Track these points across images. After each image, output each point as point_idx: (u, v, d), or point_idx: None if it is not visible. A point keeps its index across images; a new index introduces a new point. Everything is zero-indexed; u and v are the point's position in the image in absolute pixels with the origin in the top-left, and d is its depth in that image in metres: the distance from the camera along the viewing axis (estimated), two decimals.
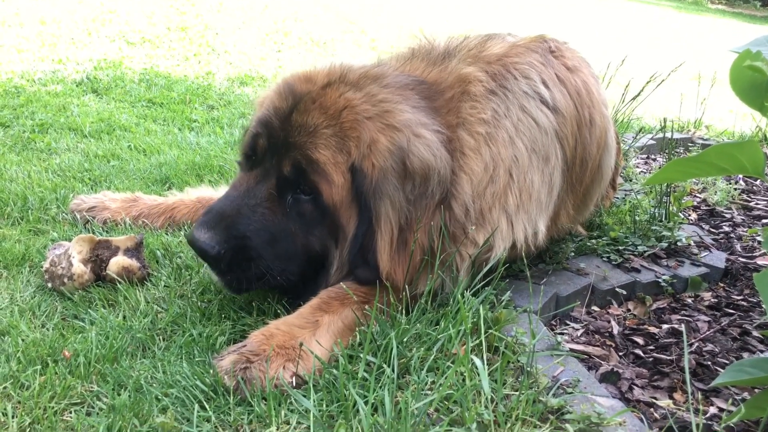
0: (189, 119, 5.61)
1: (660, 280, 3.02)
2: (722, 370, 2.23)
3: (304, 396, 2.00)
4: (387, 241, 2.39)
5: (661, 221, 3.44)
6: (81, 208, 3.35)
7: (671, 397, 2.31)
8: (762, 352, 2.58)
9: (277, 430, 1.92)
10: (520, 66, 2.72)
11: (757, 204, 4.12)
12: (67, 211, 3.41)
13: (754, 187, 4.43)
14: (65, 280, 2.65)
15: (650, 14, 23.07)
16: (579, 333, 2.69)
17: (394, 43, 10.39)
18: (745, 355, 2.56)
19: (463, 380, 2.05)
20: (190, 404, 2.00)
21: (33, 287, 2.72)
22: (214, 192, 3.50)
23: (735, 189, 4.24)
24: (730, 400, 2.25)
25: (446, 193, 2.47)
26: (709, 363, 2.49)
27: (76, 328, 2.44)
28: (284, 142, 2.46)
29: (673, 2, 29.88)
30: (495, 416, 1.94)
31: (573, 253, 3.14)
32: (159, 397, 2.03)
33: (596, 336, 2.68)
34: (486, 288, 2.50)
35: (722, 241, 3.58)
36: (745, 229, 3.71)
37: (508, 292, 2.59)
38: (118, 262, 2.74)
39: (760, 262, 3.30)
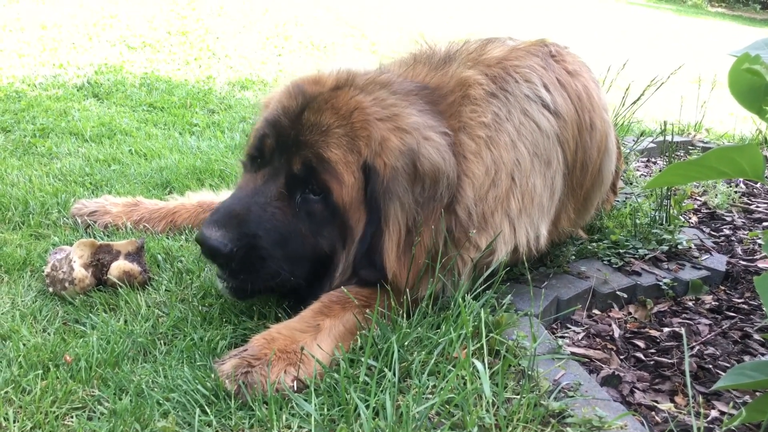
0: (190, 123, 5.61)
1: (661, 284, 3.02)
2: (723, 374, 2.24)
3: (306, 400, 2.00)
4: (395, 242, 2.39)
5: (661, 224, 3.44)
6: (82, 212, 3.36)
7: (672, 401, 2.31)
8: (763, 355, 2.58)
9: None
10: (520, 69, 2.72)
11: (757, 207, 4.12)
12: (68, 216, 3.41)
13: (755, 190, 4.43)
14: (66, 284, 2.65)
15: (650, 17, 23.08)
16: (580, 336, 2.69)
17: (395, 46, 10.40)
18: (747, 358, 2.56)
19: (464, 384, 2.05)
20: (191, 409, 2.00)
21: (34, 292, 2.72)
22: (215, 196, 3.50)
23: (735, 192, 4.24)
24: (732, 404, 2.25)
25: (453, 196, 2.47)
26: (711, 366, 2.49)
27: (78, 333, 2.44)
28: (295, 141, 2.45)
29: (673, 5, 29.91)
30: (496, 420, 1.94)
31: (574, 257, 3.15)
32: (160, 401, 2.03)
33: (597, 339, 2.68)
34: (487, 291, 2.50)
35: (723, 244, 3.58)
36: (745, 232, 3.71)
37: (509, 295, 2.58)
38: (119, 267, 2.74)
39: (760, 265, 3.30)
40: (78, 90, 6.33)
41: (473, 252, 2.54)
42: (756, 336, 2.69)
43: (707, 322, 2.82)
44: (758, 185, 4.49)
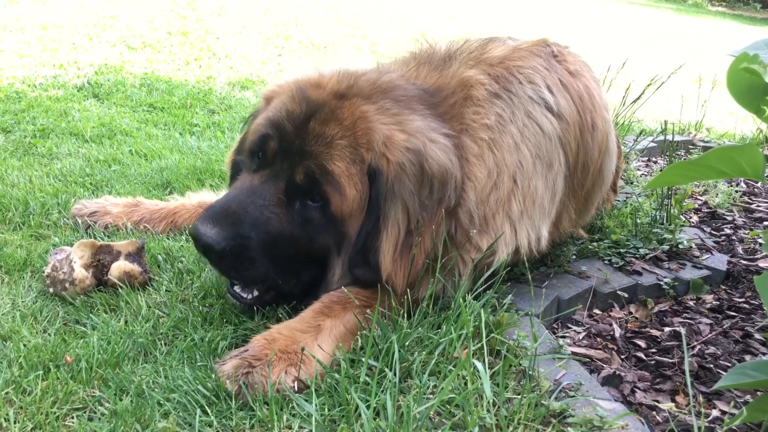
0: (190, 124, 5.61)
1: (661, 283, 3.02)
2: (724, 373, 2.24)
3: (306, 400, 2.00)
4: (392, 242, 2.38)
5: (662, 224, 3.44)
6: (82, 213, 3.35)
7: (673, 400, 2.31)
8: (764, 354, 2.58)
9: None
10: (524, 70, 2.72)
11: (758, 206, 4.12)
12: (68, 216, 3.41)
13: (755, 190, 4.43)
14: (67, 285, 2.65)
15: (650, 16, 23.08)
16: (581, 336, 2.68)
17: (395, 46, 10.40)
18: (747, 357, 2.56)
19: (465, 384, 2.05)
20: (192, 409, 2.00)
21: (34, 292, 2.72)
22: (215, 196, 3.49)
23: (736, 191, 4.24)
24: (732, 403, 2.24)
25: (458, 198, 2.46)
26: (711, 366, 2.48)
27: (78, 333, 2.44)
28: (299, 149, 2.44)
29: (673, 4, 29.90)
30: (497, 420, 1.93)
31: (574, 256, 3.15)
32: (161, 402, 2.03)
33: (598, 339, 2.68)
34: (488, 291, 2.50)
35: (723, 243, 3.58)
36: (746, 232, 3.71)
37: (510, 295, 2.58)
38: (119, 267, 2.74)
39: (761, 264, 3.29)
40: (78, 90, 6.34)
41: (474, 253, 2.54)
42: (757, 335, 2.69)
43: (708, 321, 2.82)
44: (759, 184, 4.49)
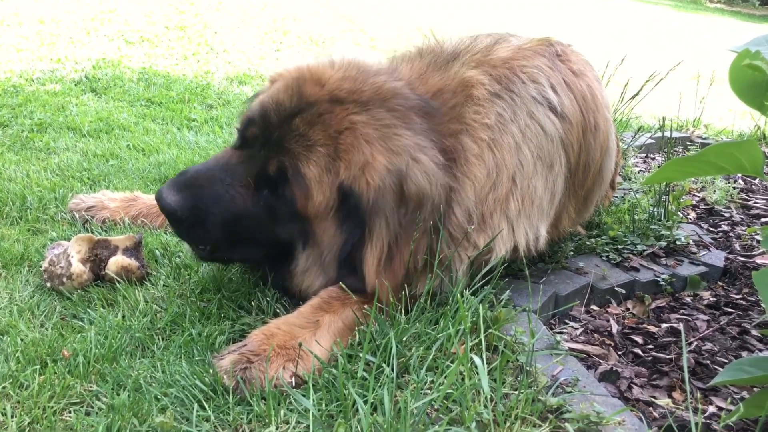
0: (188, 118, 5.60)
1: (659, 279, 3.03)
2: (721, 369, 2.24)
3: (304, 395, 2.00)
4: (376, 256, 2.38)
5: (660, 220, 3.44)
6: (80, 207, 3.35)
7: (670, 396, 2.32)
8: (761, 350, 2.58)
9: (277, 429, 1.92)
10: (527, 70, 2.70)
11: (756, 203, 4.12)
12: (65, 211, 3.40)
13: (753, 186, 4.43)
14: (64, 279, 2.65)
15: (648, 13, 23.07)
16: (578, 332, 2.69)
17: (394, 43, 10.39)
18: (744, 353, 2.56)
19: (463, 379, 2.06)
20: (189, 404, 2.00)
21: (32, 287, 2.72)
22: None
23: (734, 188, 4.24)
24: (729, 399, 2.25)
25: (439, 218, 2.45)
26: (708, 362, 2.49)
27: (75, 328, 2.44)
28: (278, 142, 2.45)
29: (671, 1, 29.89)
30: (494, 415, 1.94)
31: (572, 253, 3.15)
32: (158, 396, 2.03)
33: (595, 335, 2.68)
34: (485, 287, 2.50)
35: (721, 240, 3.59)
36: (743, 228, 3.72)
37: (507, 291, 2.59)
38: (117, 262, 2.74)
39: (759, 260, 3.30)
40: (76, 85, 6.32)
41: (471, 250, 2.54)
42: (754, 332, 2.70)
43: (705, 317, 2.82)
44: (756, 181, 4.50)
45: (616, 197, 3.88)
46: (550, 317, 2.77)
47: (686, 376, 1.93)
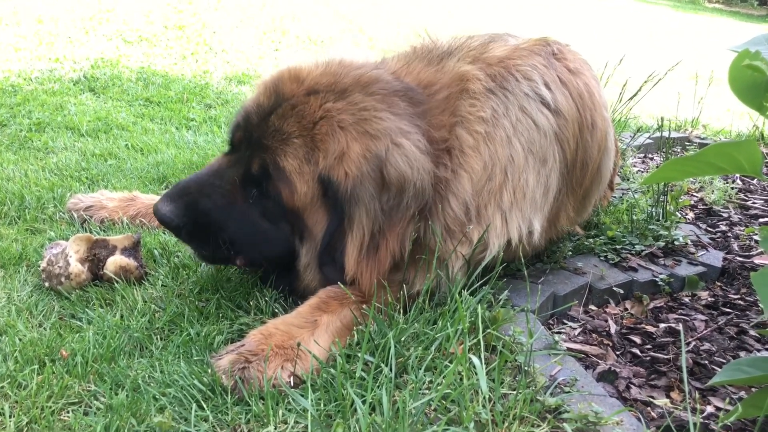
0: (186, 118, 5.60)
1: (657, 279, 3.03)
2: (719, 369, 2.24)
3: (302, 395, 2.00)
4: (356, 245, 2.39)
5: (658, 220, 3.45)
6: (78, 207, 3.35)
7: (668, 396, 2.32)
8: (759, 351, 2.58)
9: (275, 429, 1.92)
10: (522, 68, 2.71)
11: (754, 203, 4.12)
12: (64, 211, 3.40)
13: (751, 186, 4.44)
14: (62, 279, 2.65)
15: (647, 13, 23.08)
16: (576, 332, 2.69)
17: (393, 42, 10.38)
18: (742, 354, 2.56)
19: (461, 379, 2.05)
20: (187, 404, 2.00)
21: (30, 286, 2.71)
22: None
23: (732, 188, 4.24)
24: (728, 399, 2.25)
25: (425, 204, 2.46)
26: (707, 362, 2.49)
27: (74, 328, 2.43)
28: (258, 141, 2.51)
29: (670, 0, 29.90)
30: (492, 415, 1.94)
31: (570, 253, 3.15)
32: (157, 396, 2.03)
33: (594, 335, 2.68)
34: (484, 287, 2.51)
35: (719, 240, 3.59)
36: (742, 228, 3.72)
37: (506, 291, 2.59)
38: (115, 262, 2.73)
39: (757, 261, 3.30)
40: (74, 84, 6.31)
41: (466, 246, 2.54)
42: (752, 332, 2.70)
43: (703, 318, 2.82)
44: (755, 181, 4.50)
45: (615, 197, 3.88)
46: (548, 317, 2.77)
47: (684, 376, 1.93)
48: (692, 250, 3.29)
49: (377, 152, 2.37)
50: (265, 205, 2.51)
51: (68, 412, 1.99)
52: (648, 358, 2.53)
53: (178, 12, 10.50)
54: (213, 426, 1.94)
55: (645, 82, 5.17)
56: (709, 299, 2.99)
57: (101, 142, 4.67)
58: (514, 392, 2.04)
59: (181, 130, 5.23)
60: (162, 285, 2.75)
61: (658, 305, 2.94)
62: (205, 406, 1.99)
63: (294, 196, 2.44)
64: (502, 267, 2.56)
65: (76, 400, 2.04)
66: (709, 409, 2.22)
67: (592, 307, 2.91)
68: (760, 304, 2.84)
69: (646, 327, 2.75)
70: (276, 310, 2.55)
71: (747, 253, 3.39)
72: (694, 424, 1.82)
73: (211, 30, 9.72)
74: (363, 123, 2.42)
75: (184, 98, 6.19)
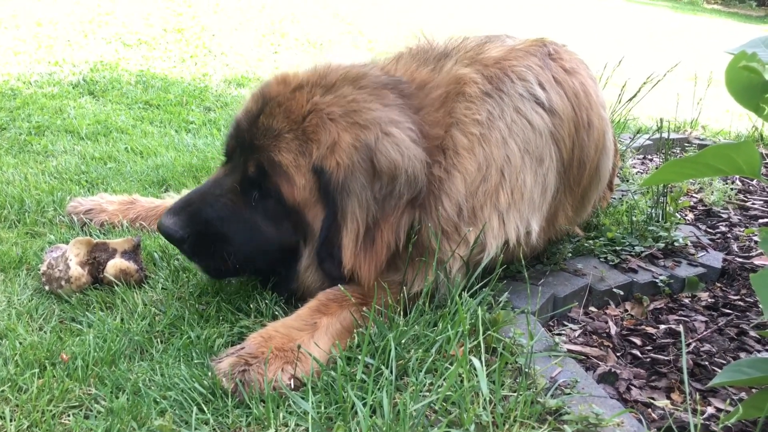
0: (186, 121, 5.60)
1: (657, 281, 3.03)
2: (720, 371, 2.24)
3: (303, 398, 2.00)
4: (352, 237, 2.40)
5: (658, 222, 3.45)
6: (78, 210, 3.35)
7: (669, 398, 2.32)
8: (759, 352, 2.58)
9: None
10: (517, 69, 2.72)
11: (753, 204, 4.12)
12: (64, 214, 3.40)
13: (751, 187, 4.44)
14: (62, 282, 2.65)
15: (646, 14, 23.10)
16: (577, 334, 2.69)
17: (392, 44, 10.39)
18: (743, 355, 2.56)
19: (462, 381, 2.06)
20: (188, 407, 2.00)
21: (30, 290, 2.72)
22: None
23: (732, 189, 4.25)
24: (728, 401, 2.25)
25: (419, 192, 2.47)
26: (707, 363, 2.49)
27: (74, 331, 2.43)
28: (250, 144, 2.53)
29: (669, 2, 29.92)
30: (493, 417, 1.94)
31: (570, 254, 3.15)
32: (157, 399, 2.03)
33: (594, 337, 2.68)
34: (484, 289, 2.50)
35: (719, 241, 3.59)
36: (741, 229, 3.72)
37: (506, 293, 2.59)
38: (115, 265, 2.73)
39: (756, 262, 3.30)
40: (73, 87, 6.32)
41: (463, 247, 2.54)
42: (752, 333, 2.70)
43: (703, 319, 2.82)
44: (754, 182, 4.50)
45: (615, 198, 3.88)
46: (548, 319, 2.77)
47: (685, 377, 1.93)
48: (692, 251, 3.29)
49: (367, 141, 2.40)
50: (266, 205, 2.51)
51: (69, 415, 1.99)
52: (648, 360, 2.53)
53: (177, 15, 10.52)
54: (214, 429, 1.94)
55: (644, 83, 5.17)
56: (709, 300, 2.99)
57: (101, 146, 4.67)
58: (515, 394, 2.04)
59: (180, 133, 5.24)
60: (162, 288, 2.75)
61: (658, 306, 2.94)
62: (205, 409, 1.99)
63: (294, 190, 2.45)
64: (502, 269, 2.56)
65: (77, 404, 2.04)
66: (710, 410, 2.22)
67: (593, 308, 2.91)
68: (760, 305, 2.84)
69: (647, 328, 2.75)
70: (276, 313, 2.55)
71: (747, 254, 3.40)
72: (695, 426, 1.82)
73: (210, 33, 9.73)
74: (352, 114, 2.45)
75: (183, 101, 6.20)
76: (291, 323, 2.33)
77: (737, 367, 1.90)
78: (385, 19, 13.25)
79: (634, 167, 4.79)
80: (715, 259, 3.25)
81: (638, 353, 2.57)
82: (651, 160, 5.18)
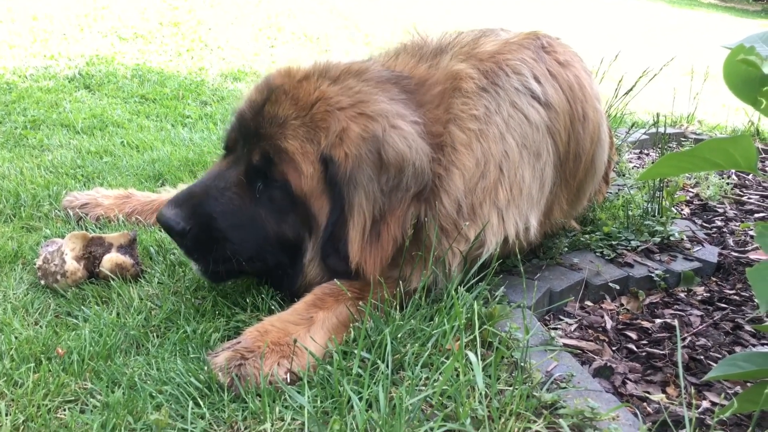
0: (182, 115, 5.59)
1: (653, 275, 3.03)
2: (715, 365, 2.25)
3: (299, 392, 2.00)
4: (359, 231, 2.39)
5: (654, 216, 3.45)
6: (74, 204, 3.34)
7: (664, 392, 2.33)
8: (754, 346, 2.59)
9: (272, 426, 1.92)
10: (511, 62, 2.71)
11: (749, 198, 4.13)
12: (59, 208, 3.39)
13: (747, 182, 4.45)
14: (58, 277, 2.64)
15: (643, 9, 23.08)
16: (572, 328, 2.69)
17: (389, 38, 10.37)
18: (738, 349, 2.57)
19: (458, 376, 2.06)
20: (184, 401, 2.00)
21: (26, 284, 2.71)
22: None
23: (727, 184, 4.25)
24: (723, 394, 2.26)
25: (425, 185, 2.47)
26: (702, 357, 2.50)
27: (70, 326, 2.43)
28: (255, 133, 2.50)
29: None
30: (489, 411, 1.94)
31: (566, 249, 3.15)
32: (153, 394, 2.03)
33: (590, 331, 2.69)
34: (480, 283, 2.51)
35: (715, 235, 3.60)
36: (737, 224, 3.73)
37: (502, 287, 2.59)
38: (111, 259, 2.73)
39: (752, 256, 3.31)
40: (69, 81, 6.29)
41: (463, 244, 2.54)
42: (747, 327, 2.71)
43: (699, 313, 2.83)
44: (750, 177, 4.51)
45: (611, 193, 3.88)
46: (544, 313, 2.78)
47: (680, 371, 1.94)
48: (688, 245, 3.29)
49: (375, 132, 2.38)
50: (272, 197, 2.47)
51: (65, 410, 1.99)
52: (644, 354, 2.54)
53: (174, 9, 10.48)
54: (210, 423, 1.94)
55: (640, 77, 5.17)
56: (705, 295, 2.99)
57: (97, 140, 4.66)
58: (511, 388, 2.05)
59: (176, 127, 5.22)
60: (158, 282, 2.75)
61: (654, 301, 2.95)
62: (201, 403, 1.99)
63: (301, 179, 2.41)
64: (498, 263, 2.56)
65: (73, 398, 2.04)
66: (705, 404, 2.22)
67: (588, 302, 2.91)
68: (755, 300, 2.85)
69: (642, 322, 2.76)
70: (272, 307, 2.55)
71: (742, 249, 3.40)
72: (690, 419, 1.82)
73: (206, 27, 9.70)
74: (360, 105, 2.43)
75: (179, 95, 6.18)
76: (287, 317, 2.32)
77: (732, 361, 1.91)
78: (381, 14, 13.21)
79: (630, 162, 4.80)
80: (710, 253, 3.26)
81: (634, 347, 2.58)
82: (647, 154, 5.19)
